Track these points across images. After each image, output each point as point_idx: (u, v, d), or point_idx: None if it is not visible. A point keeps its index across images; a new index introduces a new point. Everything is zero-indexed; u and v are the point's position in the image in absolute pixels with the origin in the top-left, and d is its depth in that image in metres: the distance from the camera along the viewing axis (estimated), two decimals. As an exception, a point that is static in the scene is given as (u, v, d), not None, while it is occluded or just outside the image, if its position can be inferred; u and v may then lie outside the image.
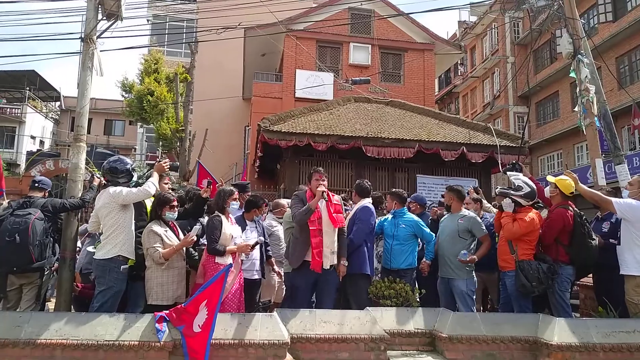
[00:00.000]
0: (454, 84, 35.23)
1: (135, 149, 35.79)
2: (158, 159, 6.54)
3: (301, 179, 11.06)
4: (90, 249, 5.98)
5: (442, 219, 6.25)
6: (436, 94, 28.83)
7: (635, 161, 17.31)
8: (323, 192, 5.07)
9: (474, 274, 5.70)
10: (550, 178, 5.57)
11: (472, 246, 5.68)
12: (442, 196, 6.55)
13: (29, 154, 26.32)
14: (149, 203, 5.13)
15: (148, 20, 27.66)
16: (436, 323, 5.01)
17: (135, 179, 5.21)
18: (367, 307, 5.04)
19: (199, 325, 4.21)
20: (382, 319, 4.92)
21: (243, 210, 5.77)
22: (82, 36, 5.79)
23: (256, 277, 5.51)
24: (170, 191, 5.59)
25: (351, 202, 6.67)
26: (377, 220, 6.02)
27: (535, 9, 10.08)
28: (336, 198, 5.35)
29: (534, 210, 5.36)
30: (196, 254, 5.27)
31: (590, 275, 5.77)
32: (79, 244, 6.11)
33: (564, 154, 24.07)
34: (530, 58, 22.54)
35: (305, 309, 4.88)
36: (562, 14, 8.83)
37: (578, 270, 5.31)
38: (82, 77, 5.72)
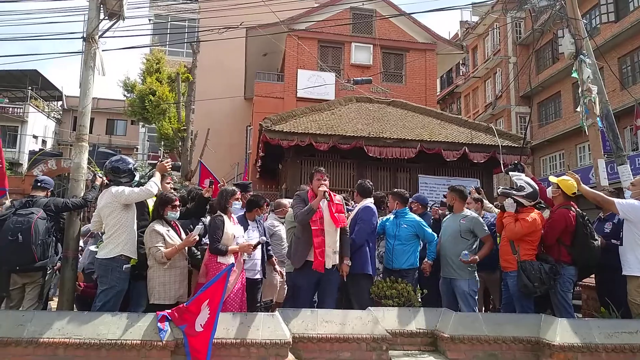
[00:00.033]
0: (455, 84, 35.20)
1: (137, 148, 35.83)
2: (160, 159, 6.54)
3: (303, 179, 11.05)
4: (92, 248, 6.00)
5: (444, 219, 6.25)
6: (438, 94, 28.85)
7: (637, 162, 17.30)
8: (325, 191, 5.07)
9: (476, 274, 5.69)
10: (552, 178, 5.56)
11: (474, 246, 5.67)
12: (445, 196, 6.54)
13: (32, 153, 26.38)
14: (150, 203, 5.14)
15: (150, 20, 27.68)
16: (438, 323, 5.00)
17: (137, 178, 5.21)
18: (369, 307, 5.03)
19: (201, 325, 4.22)
20: (384, 319, 4.92)
21: (244, 210, 5.77)
22: (84, 36, 5.80)
23: (258, 276, 5.51)
24: (172, 191, 5.60)
25: (352, 202, 6.68)
26: (379, 221, 6.02)
27: (537, 9, 10.09)
28: (338, 198, 5.35)
29: (536, 210, 5.35)
30: (199, 253, 5.29)
31: (593, 275, 5.76)
32: (81, 243, 6.12)
33: (566, 154, 24.05)
34: (532, 58, 22.55)
35: (307, 308, 4.89)
36: (564, 14, 8.83)
37: (580, 270, 5.30)
38: (84, 77, 5.73)
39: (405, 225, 5.92)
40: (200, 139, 17.20)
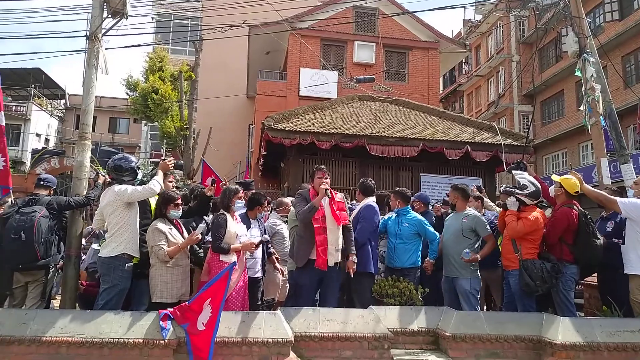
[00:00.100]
0: (458, 83, 35.14)
1: (139, 147, 35.89)
2: (162, 157, 6.55)
3: (305, 177, 11.06)
4: (95, 246, 6.01)
5: (447, 217, 6.25)
6: (441, 92, 28.81)
7: (640, 160, 17.23)
8: (326, 189, 5.07)
9: (478, 273, 5.69)
10: (555, 177, 5.56)
11: (476, 245, 5.67)
12: (448, 195, 6.54)
13: (34, 151, 26.40)
14: (153, 201, 5.15)
15: (153, 18, 27.70)
16: (440, 322, 5.01)
17: (139, 177, 5.22)
18: (371, 306, 5.04)
19: (203, 323, 4.23)
20: (386, 318, 4.93)
21: (246, 208, 5.77)
22: (88, 34, 5.81)
23: (258, 275, 5.52)
24: (174, 189, 5.61)
25: (354, 202, 6.68)
26: (380, 219, 6.02)
27: (541, 7, 10.07)
28: (339, 196, 5.35)
29: (538, 209, 5.34)
30: (201, 251, 5.30)
31: (595, 274, 5.76)
32: (83, 242, 6.13)
33: (568, 153, 23.99)
34: (535, 57, 22.50)
35: (309, 307, 4.89)
36: (568, 12, 8.81)
37: (582, 269, 5.29)
38: (87, 75, 5.74)
39: (407, 224, 5.92)
40: (203, 137, 17.21)
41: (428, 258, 5.91)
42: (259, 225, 5.69)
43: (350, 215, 5.59)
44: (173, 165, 5.38)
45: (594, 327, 4.66)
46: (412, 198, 6.61)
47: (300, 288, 5.28)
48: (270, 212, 6.91)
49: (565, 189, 5.32)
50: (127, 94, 21.41)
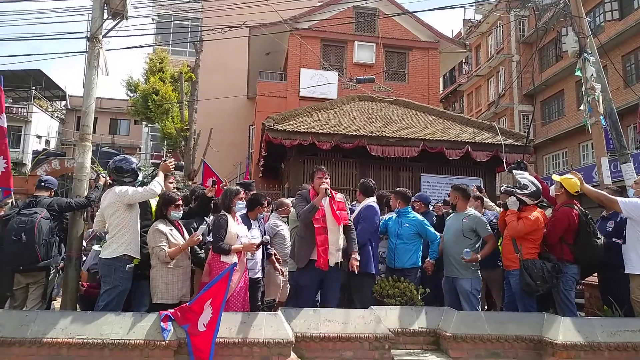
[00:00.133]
0: (458, 83, 35.14)
1: (140, 148, 35.93)
2: (163, 158, 6.55)
3: (305, 178, 11.06)
4: (96, 247, 6.01)
5: (447, 217, 6.25)
6: (441, 92, 28.80)
7: (641, 160, 17.21)
8: (326, 189, 5.07)
9: (479, 273, 5.69)
10: (555, 177, 5.55)
11: (477, 245, 5.66)
12: (449, 195, 6.55)
13: (35, 153, 26.42)
14: (153, 202, 5.15)
15: (153, 20, 27.74)
16: (440, 322, 5.01)
17: (140, 178, 5.23)
18: (372, 306, 5.04)
19: (203, 324, 4.23)
20: (387, 318, 4.93)
21: (246, 209, 5.78)
22: (88, 35, 5.82)
23: (258, 275, 5.52)
24: (175, 190, 5.62)
25: (354, 203, 6.68)
26: (381, 219, 6.02)
27: (541, 7, 10.07)
28: (339, 196, 5.36)
29: (538, 209, 5.34)
30: (202, 252, 5.30)
31: (595, 274, 5.76)
32: (84, 244, 6.14)
33: (569, 152, 23.99)
34: (535, 56, 22.50)
35: (309, 308, 4.89)
36: (568, 12, 8.81)
37: (583, 269, 5.29)
38: (87, 77, 5.74)
39: (408, 224, 5.92)
40: (203, 138, 17.23)
41: (428, 258, 5.91)
42: (259, 226, 5.70)
43: (350, 216, 5.59)
44: (174, 166, 5.39)
45: (594, 327, 4.65)
46: (413, 198, 6.61)
47: (301, 288, 5.28)
48: (271, 212, 6.91)
49: (566, 188, 5.32)
50: (128, 95, 21.46)
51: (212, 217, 5.69)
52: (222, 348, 4.25)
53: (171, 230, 4.91)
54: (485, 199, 6.93)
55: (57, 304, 6.09)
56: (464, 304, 5.50)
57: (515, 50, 27.79)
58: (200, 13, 24.62)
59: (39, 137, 34.75)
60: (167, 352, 4.21)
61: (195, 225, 5.38)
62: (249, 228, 5.47)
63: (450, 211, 6.36)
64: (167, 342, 4.19)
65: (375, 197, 6.04)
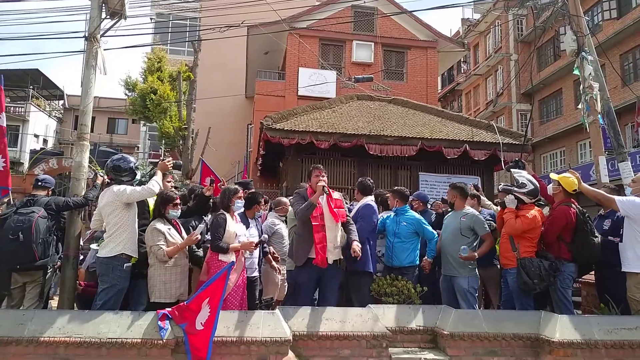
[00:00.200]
0: (457, 82, 35.16)
1: (138, 147, 35.89)
2: (161, 158, 6.56)
3: (303, 177, 11.05)
4: (94, 246, 6.01)
5: (446, 216, 6.26)
6: (439, 91, 28.82)
7: (638, 158, 17.27)
8: (323, 186, 5.08)
9: (476, 271, 5.70)
10: (553, 175, 5.56)
11: (474, 244, 5.67)
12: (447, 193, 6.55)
13: (33, 152, 26.39)
14: (151, 201, 5.15)
15: (151, 19, 27.67)
16: (438, 320, 5.01)
17: (138, 177, 5.23)
18: (369, 305, 5.04)
19: (201, 323, 4.23)
20: (384, 317, 4.93)
21: (244, 208, 5.78)
22: (86, 35, 5.81)
23: (255, 274, 5.53)
24: (173, 189, 5.62)
25: (353, 203, 6.68)
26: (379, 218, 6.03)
27: (539, 6, 10.08)
28: (336, 195, 5.36)
29: (536, 207, 5.35)
30: (199, 250, 5.30)
31: (593, 272, 5.77)
32: (81, 242, 6.13)
33: (566, 151, 24.02)
34: (533, 55, 22.50)
35: (307, 306, 4.89)
36: (566, 11, 8.82)
37: (580, 267, 5.31)
38: (85, 76, 5.74)
39: (405, 223, 5.92)
40: (201, 137, 17.20)
41: (426, 257, 5.92)
42: (256, 225, 5.70)
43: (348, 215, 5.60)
44: (172, 165, 5.39)
45: (591, 325, 4.66)
46: (411, 197, 6.61)
47: (299, 287, 5.29)
48: (269, 211, 6.91)
49: (564, 187, 5.33)
50: (126, 94, 21.39)
51: (210, 216, 5.69)
52: (219, 347, 4.25)
53: (169, 229, 4.91)
54: (482, 197, 6.94)
55: (54, 303, 6.09)
56: (461, 302, 5.51)
57: (513, 49, 27.82)
58: (199, 12, 24.60)
59: (36, 136, 34.70)
60: (165, 350, 4.21)
61: (194, 224, 5.39)
62: (247, 227, 5.47)
63: (449, 210, 6.37)
64: (164, 340, 4.19)
65: (373, 196, 6.04)
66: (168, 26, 28.87)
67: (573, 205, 5.25)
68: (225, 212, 5.05)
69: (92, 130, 6.33)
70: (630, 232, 5.02)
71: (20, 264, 4.79)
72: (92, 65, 5.69)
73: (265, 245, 5.87)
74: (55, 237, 5.04)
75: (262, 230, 5.85)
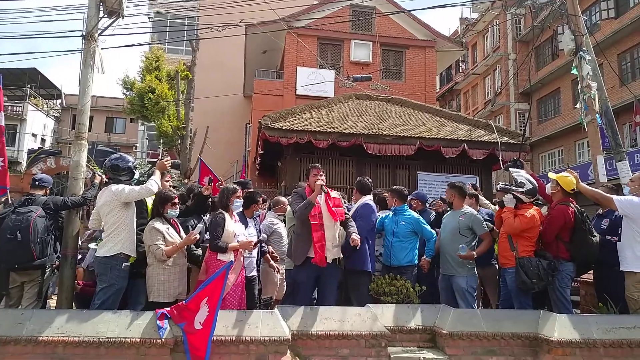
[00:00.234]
0: (455, 81, 35.17)
1: (136, 146, 35.79)
2: (159, 157, 6.55)
3: (302, 176, 11.03)
4: (92, 246, 6.00)
5: (444, 215, 6.26)
6: (437, 91, 28.81)
7: (636, 158, 17.31)
8: (322, 185, 5.08)
9: (475, 271, 5.70)
10: (551, 175, 5.57)
11: (473, 243, 5.68)
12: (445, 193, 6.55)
13: (30, 151, 26.30)
14: (149, 201, 5.14)
15: (149, 18, 27.62)
16: (437, 320, 5.02)
17: (136, 176, 5.22)
18: (368, 304, 5.04)
19: (200, 322, 4.23)
20: (383, 316, 4.93)
21: (242, 207, 5.77)
22: (84, 34, 5.80)
23: (254, 273, 5.52)
24: (171, 189, 5.61)
25: (351, 203, 6.68)
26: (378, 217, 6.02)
27: (537, 5, 10.09)
28: (335, 193, 5.36)
29: (534, 206, 5.36)
30: (198, 249, 5.29)
31: (591, 271, 5.78)
32: (79, 242, 6.12)
33: (565, 151, 24.05)
34: (531, 55, 22.49)
35: (306, 305, 4.90)
36: (564, 10, 8.82)
37: (579, 266, 5.31)
38: (83, 75, 5.72)
39: (404, 223, 5.92)
40: (200, 136, 17.19)
41: (425, 256, 5.92)
42: (255, 224, 5.70)
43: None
44: (170, 164, 5.38)
45: (590, 324, 4.67)
46: (410, 196, 6.61)
47: (298, 286, 5.28)
48: (267, 211, 6.90)
49: (562, 186, 5.34)
50: (124, 93, 21.34)
51: (209, 215, 5.68)
52: (218, 346, 4.25)
53: (167, 228, 4.90)
54: (480, 196, 6.94)
55: (52, 302, 6.08)
56: (460, 302, 5.51)
57: (511, 49, 27.84)
58: (197, 11, 24.57)
59: (34, 135, 34.61)
60: (164, 350, 4.21)
61: (193, 224, 5.38)
62: (246, 226, 5.46)
63: (448, 209, 6.37)
64: (163, 340, 4.19)
65: (372, 195, 6.04)
66: (166, 25, 28.85)
67: (571, 205, 5.25)
68: (224, 212, 5.04)
69: (90, 130, 6.31)
70: (628, 232, 5.03)
71: (18, 264, 4.78)
72: (90, 65, 5.68)
73: (263, 244, 5.86)
74: (53, 236, 5.02)
75: (260, 229, 5.85)
